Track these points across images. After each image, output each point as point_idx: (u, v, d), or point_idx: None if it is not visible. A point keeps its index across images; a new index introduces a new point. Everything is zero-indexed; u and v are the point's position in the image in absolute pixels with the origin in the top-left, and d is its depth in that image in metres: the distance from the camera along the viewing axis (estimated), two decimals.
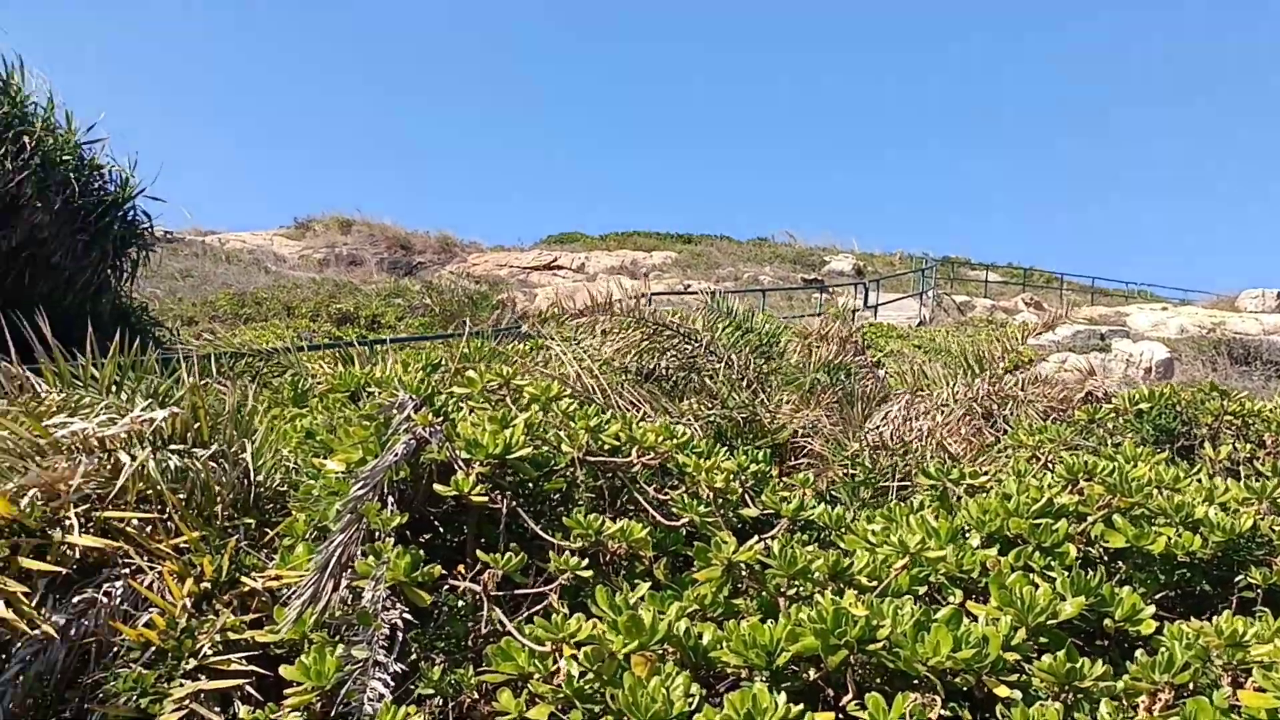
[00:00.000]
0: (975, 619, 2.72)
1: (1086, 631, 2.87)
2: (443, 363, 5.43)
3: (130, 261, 11.10)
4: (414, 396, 3.56)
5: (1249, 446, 5.28)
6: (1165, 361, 19.63)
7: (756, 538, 3.17)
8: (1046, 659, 2.49)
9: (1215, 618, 2.68)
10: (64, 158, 9.84)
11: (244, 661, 2.84)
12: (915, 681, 2.51)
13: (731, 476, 3.57)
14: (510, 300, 22.29)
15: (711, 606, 2.94)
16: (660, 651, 2.62)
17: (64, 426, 3.49)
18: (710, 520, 3.39)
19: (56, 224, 9.70)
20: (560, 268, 36.36)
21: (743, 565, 2.99)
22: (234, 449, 3.71)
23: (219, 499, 3.51)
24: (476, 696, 2.78)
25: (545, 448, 3.46)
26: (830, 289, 31.10)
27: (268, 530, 3.50)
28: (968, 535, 3.27)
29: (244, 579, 3.14)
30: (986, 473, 3.93)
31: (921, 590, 3.01)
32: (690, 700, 2.40)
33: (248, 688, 2.81)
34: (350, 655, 2.63)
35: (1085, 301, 34.14)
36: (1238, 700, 2.33)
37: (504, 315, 17.16)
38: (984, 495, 3.53)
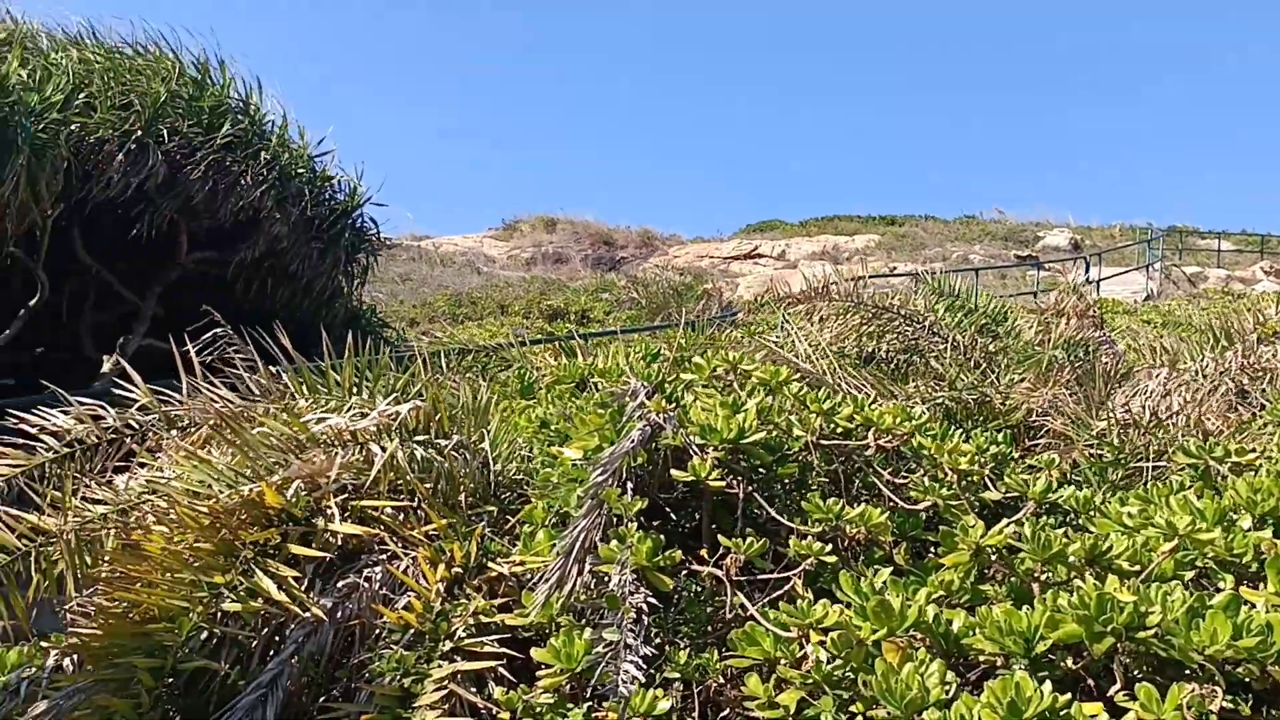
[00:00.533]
0: (1253, 606, 2.53)
1: None
2: (660, 352, 5.49)
3: (359, 267, 11.69)
4: (645, 384, 3.60)
5: None
6: None
7: (1004, 521, 3.05)
8: None
9: None
10: (298, 170, 10.44)
11: (495, 644, 2.93)
12: (1187, 672, 2.36)
13: (973, 458, 3.45)
14: (715, 290, 22.36)
15: (958, 592, 2.85)
16: (909, 638, 2.56)
17: (320, 422, 3.70)
18: (954, 504, 3.29)
19: (294, 234, 10.30)
20: (761, 256, 36.13)
21: (990, 550, 2.88)
22: (473, 439, 3.85)
23: (462, 488, 3.64)
24: (722, 681, 2.79)
25: (776, 432, 3.44)
26: (1046, 265, 29.75)
27: (508, 518, 3.60)
28: (1236, 517, 3.04)
29: (490, 564, 3.25)
30: (1253, 450, 3.65)
31: (1187, 576, 2.82)
32: (946, 688, 2.33)
33: (500, 669, 2.91)
34: (600, 638, 2.67)
35: None
36: None
37: (710, 305, 17.24)
38: (1252, 474, 3.28)
